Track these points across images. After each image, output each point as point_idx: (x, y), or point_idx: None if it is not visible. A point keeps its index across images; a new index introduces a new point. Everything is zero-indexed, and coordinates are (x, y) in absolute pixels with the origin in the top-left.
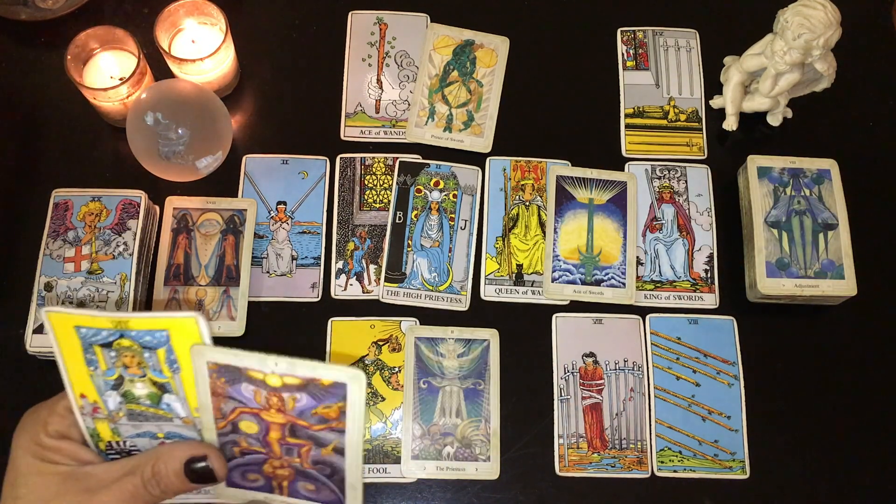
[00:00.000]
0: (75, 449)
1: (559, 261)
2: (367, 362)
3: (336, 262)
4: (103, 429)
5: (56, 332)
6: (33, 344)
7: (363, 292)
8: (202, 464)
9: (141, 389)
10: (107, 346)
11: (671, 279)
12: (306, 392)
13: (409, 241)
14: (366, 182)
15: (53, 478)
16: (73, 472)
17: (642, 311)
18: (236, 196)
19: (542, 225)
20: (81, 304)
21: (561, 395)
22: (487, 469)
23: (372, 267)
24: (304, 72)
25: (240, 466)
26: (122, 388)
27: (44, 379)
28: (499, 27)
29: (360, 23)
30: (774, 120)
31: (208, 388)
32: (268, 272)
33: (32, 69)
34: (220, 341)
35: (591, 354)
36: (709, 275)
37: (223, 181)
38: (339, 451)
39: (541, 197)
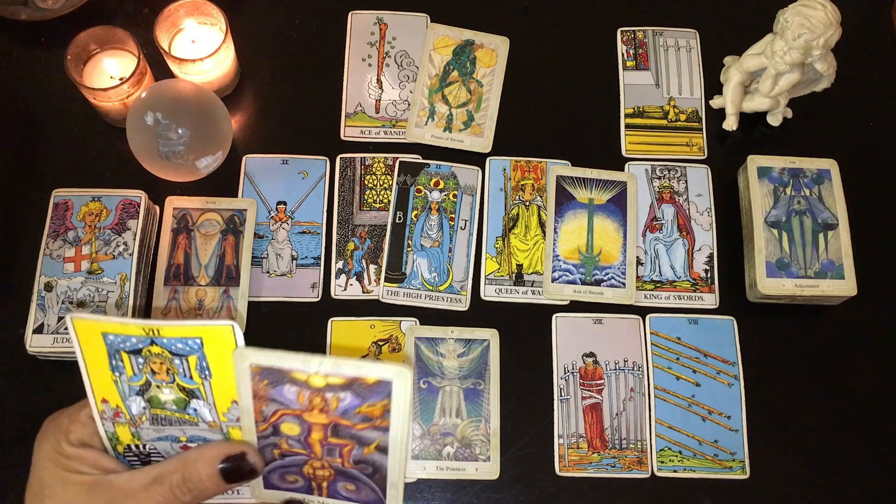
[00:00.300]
0: (98, 457)
1: (559, 261)
2: None
3: (336, 262)
4: (123, 433)
5: (80, 338)
6: (33, 344)
7: (363, 292)
8: (239, 462)
9: (168, 395)
10: (135, 352)
11: (671, 279)
12: (350, 391)
13: (409, 241)
14: (366, 182)
15: (78, 488)
16: (97, 482)
17: (642, 311)
18: (236, 196)
19: (542, 225)
20: (81, 304)
21: (561, 395)
22: (487, 469)
23: (372, 267)
24: (304, 72)
25: (279, 468)
26: (147, 394)
27: (44, 379)
28: (499, 27)
29: (360, 23)
30: (774, 120)
31: (250, 392)
32: (268, 272)
33: (32, 69)
34: None
35: (591, 354)
36: (709, 275)
37: (223, 181)
38: (382, 450)
39: (541, 197)
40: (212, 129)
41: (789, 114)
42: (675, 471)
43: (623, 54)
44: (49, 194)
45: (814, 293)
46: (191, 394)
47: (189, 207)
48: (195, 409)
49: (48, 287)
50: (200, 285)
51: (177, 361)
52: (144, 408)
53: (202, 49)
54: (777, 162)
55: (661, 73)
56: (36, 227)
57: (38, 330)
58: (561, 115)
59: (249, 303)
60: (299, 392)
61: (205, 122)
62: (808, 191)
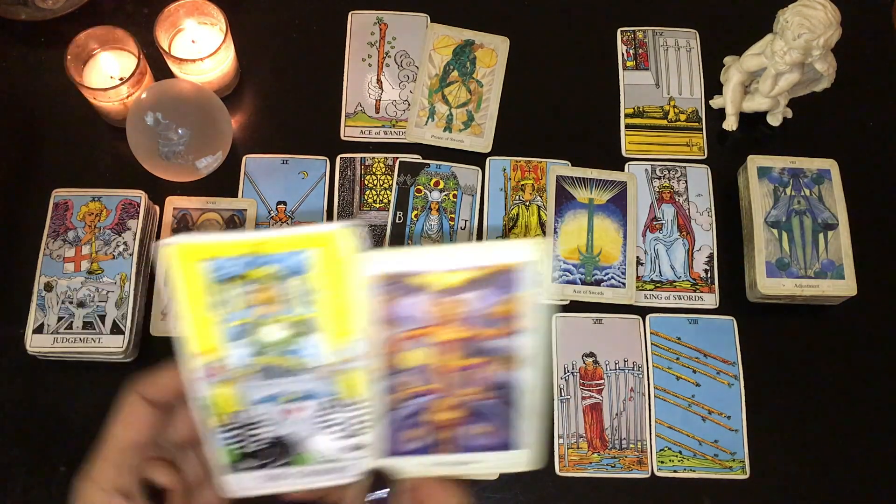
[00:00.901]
0: None
1: (559, 261)
2: None
3: None
4: (223, 397)
5: (176, 272)
6: (33, 344)
7: None
8: (383, 491)
9: (276, 333)
10: (237, 280)
11: (671, 279)
12: (479, 289)
13: (409, 241)
14: (366, 182)
15: None
16: None
17: (642, 311)
18: (236, 196)
19: (542, 225)
20: (81, 305)
21: (561, 395)
22: None
23: None
24: (304, 72)
25: (397, 426)
26: (252, 335)
27: (44, 379)
28: (499, 27)
29: (360, 23)
30: (774, 120)
31: (376, 312)
32: None
33: (32, 69)
34: None
35: (591, 354)
36: (709, 275)
37: (223, 181)
38: (518, 363)
39: (541, 197)
40: (212, 129)
41: (789, 114)
42: (674, 471)
43: (623, 54)
44: (49, 194)
45: (814, 293)
46: (302, 327)
47: (189, 207)
48: (306, 350)
49: (48, 287)
50: None
51: (286, 284)
52: (250, 355)
53: (202, 49)
54: (777, 162)
55: (661, 73)
56: (36, 227)
57: (38, 330)
58: (561, 115)
59: None
60: (424, 302)
61: (205, 122)
62: (808, 191)
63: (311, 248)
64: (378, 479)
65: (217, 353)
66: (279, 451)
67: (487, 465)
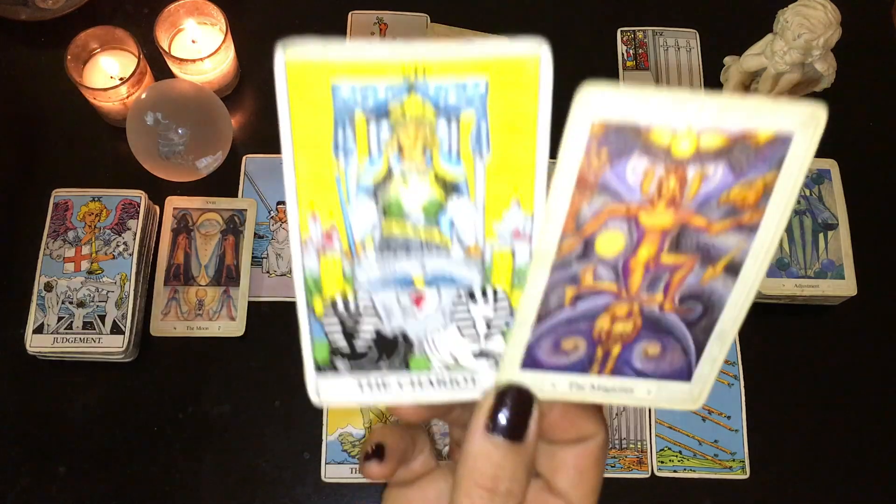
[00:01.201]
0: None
1: None
2: None
3: None
4: (332, 273)
5: (293, 93)
6: (33, 344)
7: None
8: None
9: (416, 193)
10: (380, 114)
11: None
12: (725, 161)
13: None
14: None
15: None
16: None
17: None
18: (236, 196)
19: None
20: (81, 305)
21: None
22: None
23: None
24: None
25: (558, 328)
26: (385, 193)
27: (44, 379)
28: (498, 27)
29: (359, 23)
30: None
31: (575, 176)
32: (268, 272)
33: (32, 69)
34: (218, 342)
35: None
36: None
37: (223, 181)
38: (733, 270)
39: None
40: (212, 129)
41: None
42: (674, 471)
43: (623, 54)
44: (49, 194)
45: (814, 293)
46: (451, 189)
47: (189, 207)
48: (451, 221)
49: (48, 287)
50: (200, 285)
51: (441, 127)
52: (376, 222)
53: (202, 49)
54: None
55: (661, 73)
56: (36, 227)
57: (38, 330)
58: (561, 115)
59: (249, 303)
60: (650, 169)
61: (205, 122)
62: (808, 191)
63: (487, 74)
64: (512, 397)
65: (335, 212)
66: (392, 351)
67: (646, 395)
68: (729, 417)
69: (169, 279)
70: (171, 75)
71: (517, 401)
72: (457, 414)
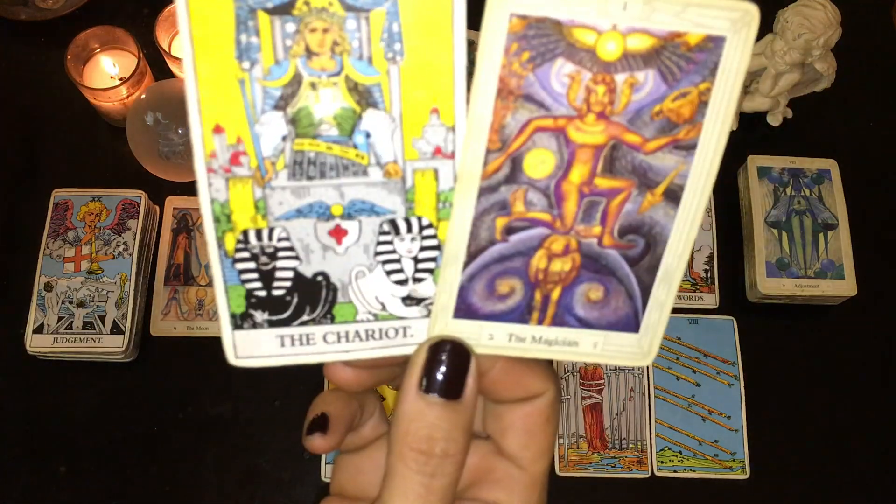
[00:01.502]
0: None
1: None
2: None
3: None
4: (241, 200)
5: None
6: (33, 344)
7: None
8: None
9: (328, 103)
10: (283, 9)
11: None
12: (656, 67)
13: None
14: None
15: None
16: None
17: None
18: None
19: None
20: (81, 304)
21: (561, 395)
22: None
23: None
24: None
25: (492, 266)
26: (294, 103)
27: (44, 379)
28: None
29: None
30: (774, 120)
31: (496, 80)
32: None
33: (32, 69)
34: (218, 342)
35: None
36: (709, 275)
37: None
38: (673, 197)
39: None
40: None
41: (789, 114)
42: (674, 471)
43: None
44: (49, 194)
45: (814, 293)
46: (366, 98)
47: (189, 207)
48: (367, 134)
49: (48, 287)
50: (200, 285)
51: (351, 24)
52: (285, 137)
53: None
54: (777, 162)
55: None
56: (36, 227)
57: (38, 330)
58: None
59: None
60: (575, 75)
61: None
62: (808, 191)
63: None
64: (445, 352)
65: (240, 128)
66: (314, 297)
67: (592, 349)
68: (729, 417)
69: (169, 279)
70: (171, 75)
71: (451, 356)
72: (388, 374)
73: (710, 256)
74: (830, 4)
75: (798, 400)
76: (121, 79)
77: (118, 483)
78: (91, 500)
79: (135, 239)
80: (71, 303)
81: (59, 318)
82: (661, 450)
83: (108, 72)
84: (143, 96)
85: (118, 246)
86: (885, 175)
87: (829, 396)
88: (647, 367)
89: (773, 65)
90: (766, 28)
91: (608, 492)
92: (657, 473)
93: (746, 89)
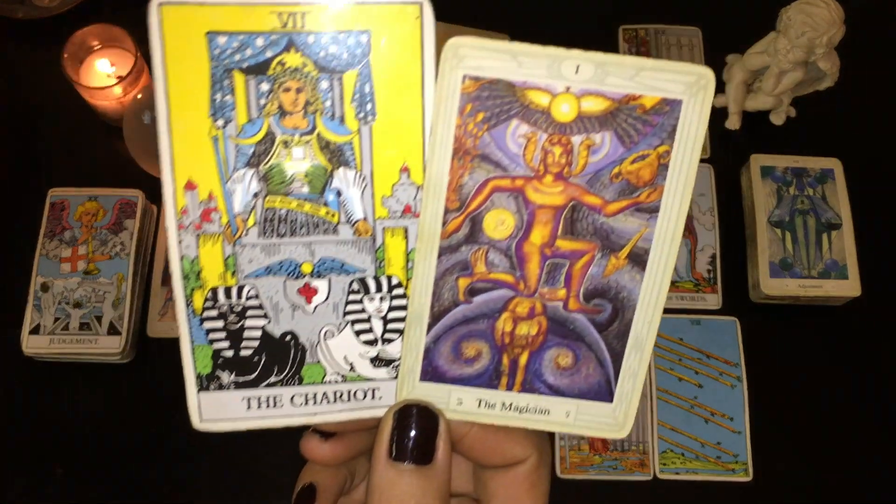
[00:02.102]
0: None
1: None
2: None
3: None
4: (211, 257)
5: (169, 43)
6: (30, 345)
7: None
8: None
9: (300, 161)
10: (259, 69)
11: (673, 279)
12: (612, 129)
13: None
14: None
15: None
16: None
17: None
18: None
19: None
20: (78, 305)
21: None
22: None
23: None
24: None
25: (457, 328)
26: (266, 161)
27: (41, 381)
28: (499, 24)
29: None
30: (778, 119)
31: (451, 140)
32: None
33: (29, 68)
34: None
35: None
36: (711, 275)
37: None
38: (638, 260)
39: None
40: None
41: (792, 112)
42: (677, 473)
43: (625, 53)
44: (45, 194)
45: (817, 293)
46: (337, 156)
47: None
48: (338, 192)
49: (44, 287)
50: None
51: (324, 84)
52: (256, 194)
53: None
54: (780, 161)
55: None
56: (32, 227)
57: (35, 331)
58: None
59: None
60: (530, 136)
61: None
62: (812, 190)
63: (370, 27)
64: (412, 417)
65: (212, 184)
66: (282, 357)
67: (564, 418)
68: (732, 419)
69: (166, 280)
70: None
71: (419, 420)
72: (360, 443)
73: (713, 257)
74: (834, 2)
75: (802, 401)
76: (118, 77)
77: (115, 485)
78: (88, 501)
79: (132, 239)
80: (67, 303)
81: (56, 319)
82: (663, 452)
83: (104, 71)
84: (140, 95)
85: (115, 246)
86: (889, 174)
87: (833, 398)
88: (649, 368)
89: (776, 63)
90: (770, 26)
91: (610, 494)
92: (659, 476)
93: (749, 88)
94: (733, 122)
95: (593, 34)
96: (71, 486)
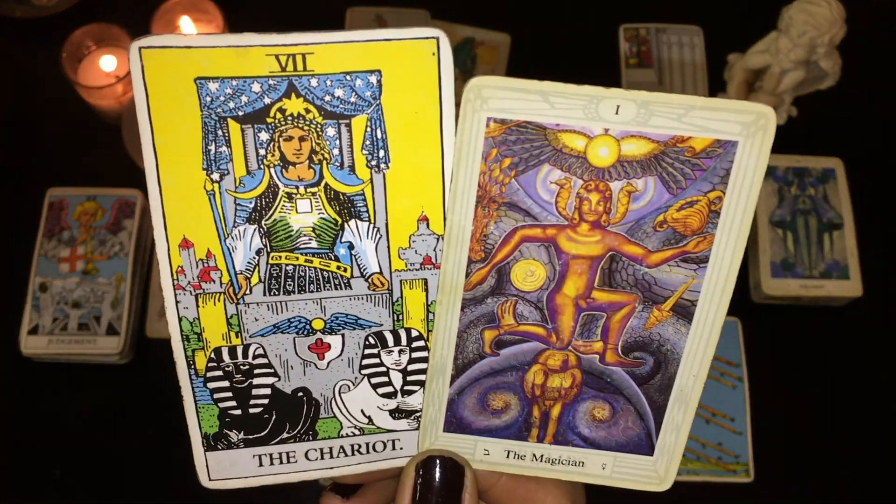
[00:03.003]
0: None
1: None
2: None
3: None
4: (213, 318)
5: (152, 91)
6: (28, 345)
7: None
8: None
9: (306, 214)
10: (256, 118)
11: None
12: (657, 173)
13: None
14: None
15: None
16: None
17: None
18: None
19: None
20: (76, 305)
21: None
22: None
23: None
24: None
25: (483, 380)
26: (269, 216)
27: (39, 382)
28: (500, 24)
29: (358, 19)
30: (779, 118)
31: (475, 188)
32: None
33: (27, 67)
34: None
35: None
36: None
37: None
38: (684, 313)
39: None
40: None
41: (794, 112)
42: (678, 474)
43: (626, 52)
44: (44, 193)
45: (819, 294)
46: (347, 207)
47: None
48: (350, 246)
49: (43, 287)
50: None
51: (330, 131)
52: (259, 251)
53: None
54: (781, 161)
55: (664, 70)
56: (30, 227)
57: (33, 331)
58: None
59: None
60: (564, 182)
61: None
62: (813, 190)
63: (380, 66)
64: (436, 468)
65: (210, 242)
66: (294, 413)
67: (601, 470)
68: (733, 420)
69: None
70: None
71: (444, 472)
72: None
73: None
74: (835, 1)
75: (803, 402)
76: (116, 77)
77: (114, 486)
78: (86, 502)
79: (130, 239)
80: (66, 304)
81: (54, 319)
82: None
83: (103, 70)
84: None
85: (114, 246)
86: (891, 174)
87: (835, 398)
88: None
89: (777, 62)
90: (771, 25)
91: (610, 495)
92: None
93: (751, 87)
94: None
95: (594, 33)
96: (68, 487)
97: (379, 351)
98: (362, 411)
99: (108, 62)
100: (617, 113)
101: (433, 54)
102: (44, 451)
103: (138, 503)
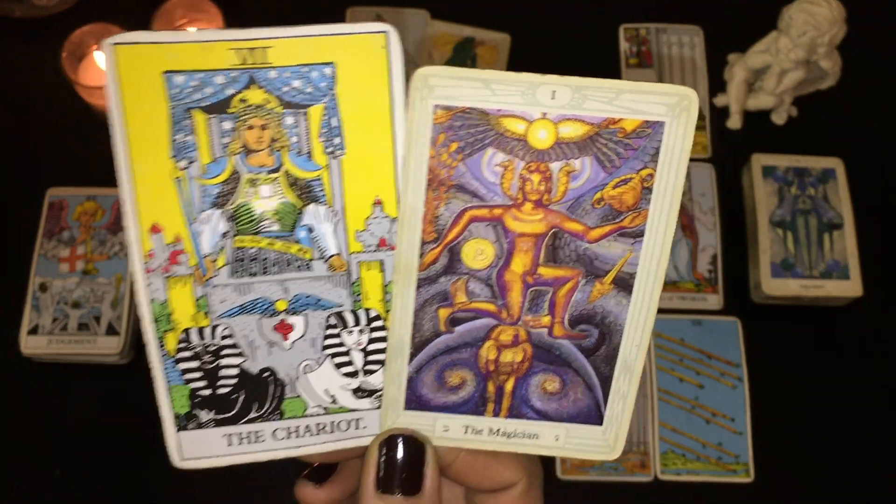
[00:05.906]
0: None
1: None
2: None
3: None
4: (182, 299)
5: (125, 85)
6: (28, 345)
7: None
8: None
9: (268, 199)
10: (219, 108)
11: (674, 280)
12: (592, 154)
13: None
14: None
15: None
16: None
17: None
18: None
19: None
20: (76, 305)
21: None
22: None
23: None
24: None
25: (439, 358)
26: (233, 201)
27: (39, 382)
28: (500, 24)
29: (358, 19)
30: (779, 118)
31: (425, 172)
32: None
33: (27, 67)
34: None
35: None
36: (713, 275)
37: None
38: (624, 285)
39: None
40: None
41: (794, 112)
42: (678, 474)
43: (626, 52)
44: (43, 193)
45: (819, 294)
46: (306, 192)
47: None
48: (309, 229)
49: (43, 287)
50: None
51: (289, 120)
52: (225, 234)
53: None
54: (782, 161)
55: (664, 70)
56: (30, 227)
57: (33, 331)
58: None
59: None
60: (508, 164)
61: None
62: (814, 190)
63: (334, 59)
64: (398, 446)
65: (178, 227)
66: (261, 393)
67: (554, 442)
68: (733, 420)
69: None
70: None
71: (406, 449)
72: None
73: (714, 257)
74: (836, 1)
75: (803, 402)
76: None
77: (114, 487)
78: (86, 502)
79: None
80: (66, 304)
81: (54, 319)
82: (664, 453)
83: (103, 70)
84: None
85: (114, 246)
86: (891, 174)
87: (835, 398)
88: (650, 369)
89: (777, 62)
90: (771, 25)
91: (611, 495)
92: (660, 477)
93: (751, 87)
94: (734, 122)
95: (594, 33)
96: (68, 488)
97: (340, 331)
98: (326, 391)
99: None
100: (553, 98)
101: (383, 47)
102: (44, 451)
103: (138, 503)
